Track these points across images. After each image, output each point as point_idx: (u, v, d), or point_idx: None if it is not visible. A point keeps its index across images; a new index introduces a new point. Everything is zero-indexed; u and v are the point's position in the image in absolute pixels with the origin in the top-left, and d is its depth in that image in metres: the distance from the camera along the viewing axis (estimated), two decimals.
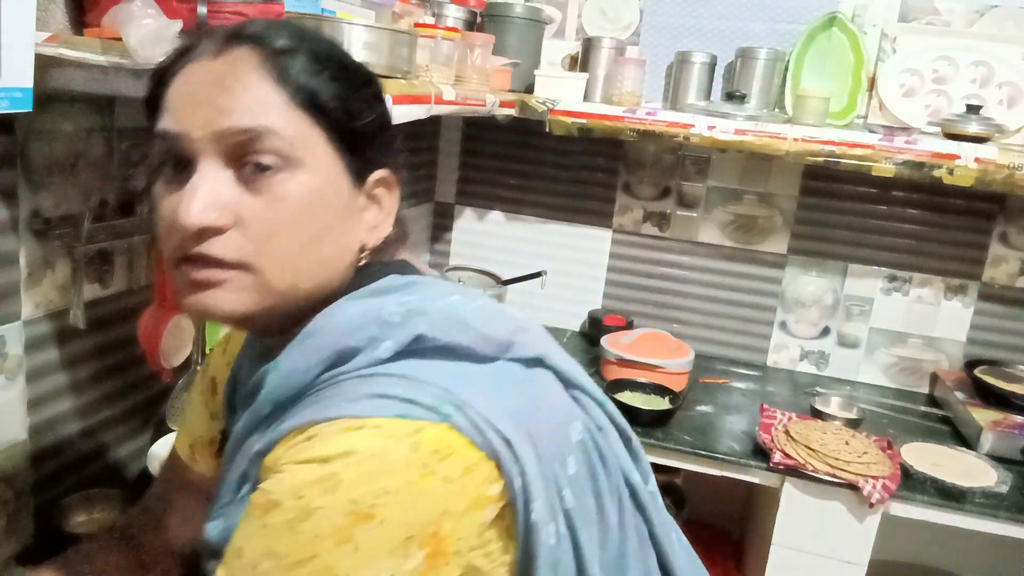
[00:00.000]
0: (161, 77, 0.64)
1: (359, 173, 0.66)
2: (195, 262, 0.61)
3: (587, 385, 0.73)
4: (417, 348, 0.61)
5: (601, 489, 0.68)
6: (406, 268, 0.71)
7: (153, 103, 0.65)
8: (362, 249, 0.68)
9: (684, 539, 0.79)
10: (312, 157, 0.62)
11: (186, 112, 0.61)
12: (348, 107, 0.64)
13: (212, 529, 0.65)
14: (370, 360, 0.60)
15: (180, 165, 0.62)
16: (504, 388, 0.63)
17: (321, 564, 0.54)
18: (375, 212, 0.69)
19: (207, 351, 1.34)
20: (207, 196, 0.59)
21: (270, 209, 0.61)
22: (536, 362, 0.68)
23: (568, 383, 0.71)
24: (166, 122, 0.62)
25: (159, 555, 0.89)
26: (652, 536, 0.74)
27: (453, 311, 0.64)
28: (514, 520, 0.61)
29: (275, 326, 0.66)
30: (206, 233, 0.60)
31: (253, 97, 0.61)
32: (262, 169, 0.60)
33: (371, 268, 0.69)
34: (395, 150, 0.70)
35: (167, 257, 0.63)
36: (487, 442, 0.59)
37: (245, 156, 0.60)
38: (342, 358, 0.61)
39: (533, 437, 0.62)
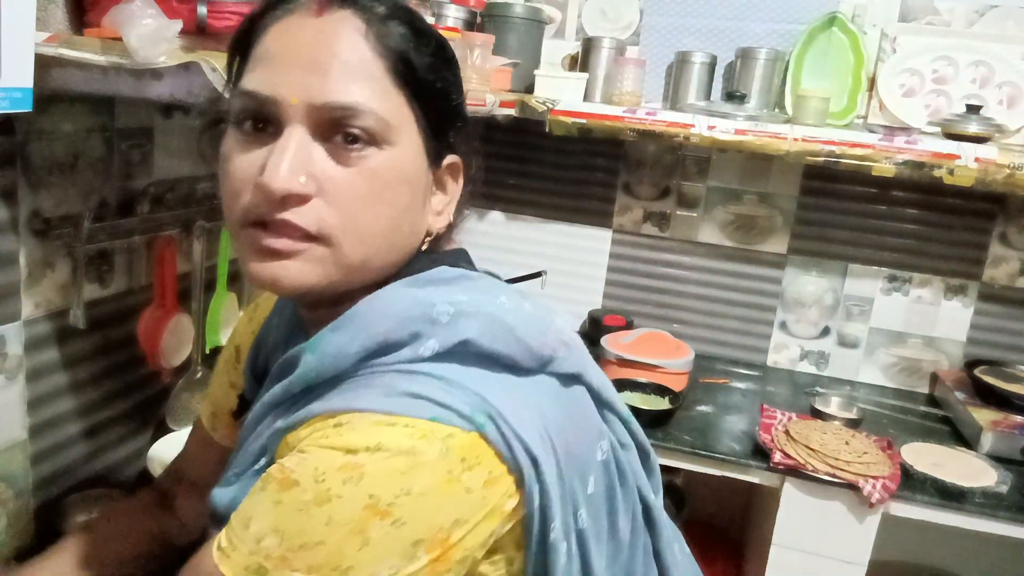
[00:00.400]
0: (256, 20, 0.62)
1: (436, 155, 0.66)
2: (271, 228, 0.59)
3: (616, 403, 0.73)
4: (461, 351, 0.60)
5: (617, 508, 0.68)
6: (459, 259, 0.70)
7: (243, 48, 0.62)
8: (428, 233, 0.68)
9: (686, 548, 0.79)
10: (402, 134, 0.62)
11: (282, 75, 0.59)
12: (440, 86, 0.64)
13: (221, 496, 0.65)
14: (412, 356, 0.59)
15: (262, 123, 0.60)
16: (540, 403, 0.62)
17: (326, 552, 0.54)
18: (440, 197, 0.69)
19: (207, 351, 1.35)
20: (297, 161, 0.58)
21: (356, 183, 0.59)
22: (574, 379, 0.67)
23: (600, 401, 0.70)
24: (258, 81, 0.59)
25: (184, 520, 0.90)
26: (656, 552, 0.74)
27: (503, 318, 0.63)
28: (525, 535, 0.61)
29: (327, 299, 0.64)
30: (289, 200, 0.58)
31: (354, 70, 0.59)
32: (352, 142, 0.59)
33: (425, 255, 0.68)
34: (469, 138, 0.70)
35: (234, 218, 0.61)
36: (514, 457, 0.58)
37: (338, 128, 0.59)
38: (384, 349, 0.60)
39: (559, 455, 0.61)
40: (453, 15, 1.74)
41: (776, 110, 1.92)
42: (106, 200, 1.16)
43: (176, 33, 0.75)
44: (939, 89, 1.87)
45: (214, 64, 0.75)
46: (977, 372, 1.83)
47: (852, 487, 1.47)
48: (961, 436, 1.73)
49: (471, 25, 1.83)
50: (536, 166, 2.17)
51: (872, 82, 1.91)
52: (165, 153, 1.26)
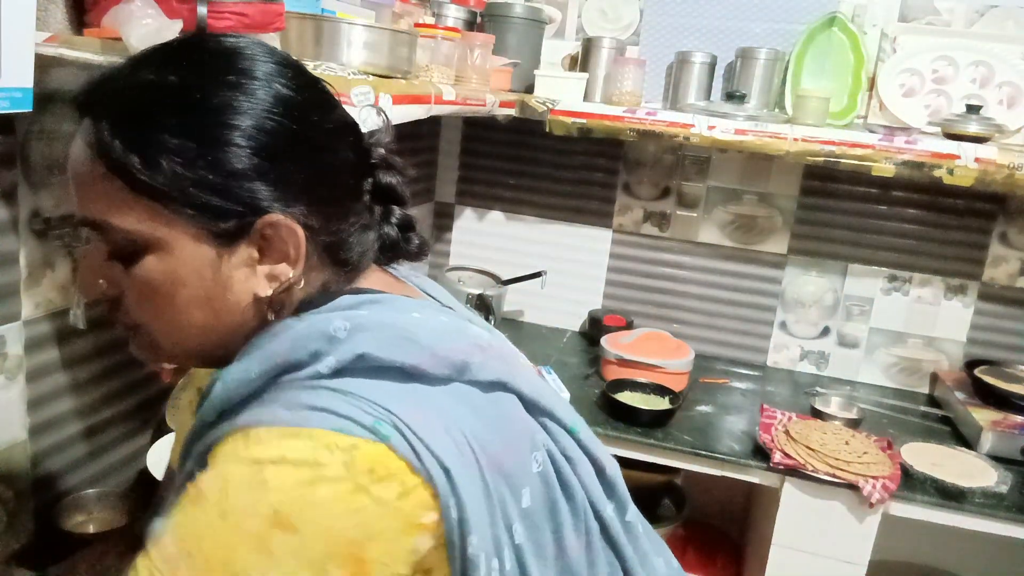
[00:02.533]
0: None
1: (230, 234, 0.61)
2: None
3: (556, 411, 0.69)
4: (360, 366, 0.59)
5: (562, 523, 0.65)
6: (361, 291, 0.68)
7: None
8: (270, 302, 0.64)
9: (674, 561, 0.76)
10: (164, 236, 0.60)
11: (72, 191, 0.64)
12: (192, 177, 0.59)
13: (156, 526, 0.62)
14: (311, 374, 0.59)
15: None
16: (456, 412, 0.60)
17: (234, 569, 0.53)
18: (273, 259, 0.63)
19: None
20: (88, 273, 0.64)
21: (132, 290, 0.63)
22: (496, 385, 0.64)
23: (533, 409, 0.67)
24: None
25: None
26: (626, 572, 0.70)
27: (405, 328, 0.61)
28: (448, 549, 0.58)
29: (210, 363, 0.67)
30: (104, 303, 0.64)
31: (86, 186, 0.62)
32: (115, 254, 0.62)
33: (317, 297, 0.66)
34: (292, 187, 0.62)
35: None
36: (425, 468, 0.56)
37: (102, 242, 0.62)
38: (284, 369, 0.60)
39: (482, 465, 0.59)
40: (453, 15, 1.74)
41: (776, 110, 1.92)
42: None
43: (176, 33, 0.75)
44: (939, 89, 1.87)
45: None
46: (977, 372, 1.83)
47: (852, 487, 1.47)
48: (961, 436, 1.73)
49: (471, 25, 1.83)
50: (536, 166, 2.17)
51: (872, 82, 1.91)
52: None
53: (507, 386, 0.65)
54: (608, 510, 0.69)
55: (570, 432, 0.70)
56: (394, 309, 0.65)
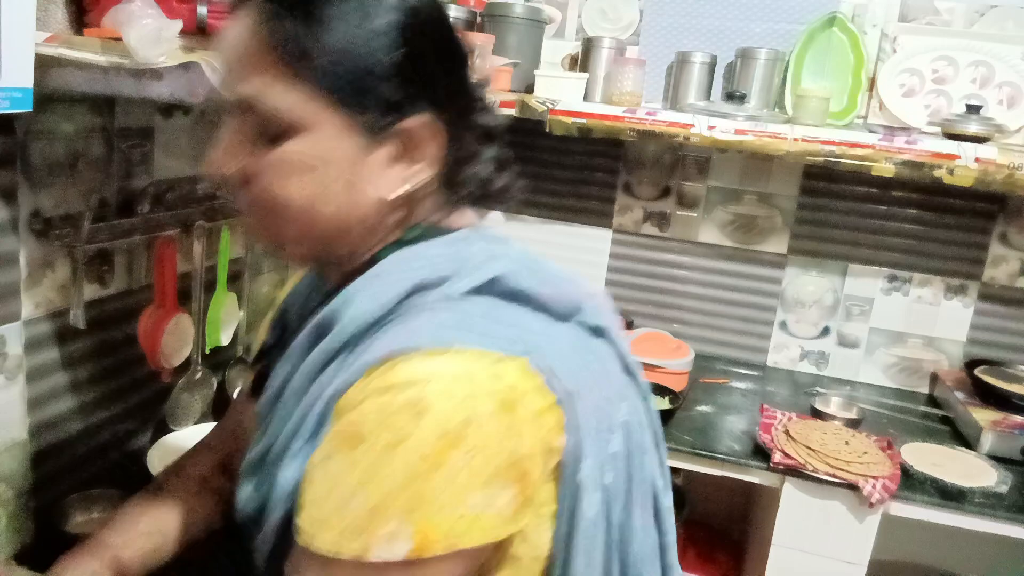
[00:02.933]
0: None
1: (372, 127, 0.62)
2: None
3: (639, 375, 0.72)
4: (493, 290, 0.61)
5: (632, 477, 0.66)
6: (480, 228, 0.71)
7: None
8: (395, 199, 0.65)
9: (679, 567, 0.77)
10: (305, 121, 0.61)
11: (222, 72, 0.65)
12: (352, 64, 0.61)
13: (285, 473, 0.62)
14: (444, 295, 0.60)
15: (223, 118, 0.66)
16: (571, 347, 0.63)
17: (417, 490, 0.53)
18: (407, 162, 0.64)
19: (207, 351, 1.35)
20: (219, 151, 0.64)
21: (266, 171, 0.63)
22: (600, 332, 0.67)
23: (626, 366, 0.70)
24: None
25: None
26: (662, 548, 0.71)
27: (534, 262, 0.65)
28: (560, 481, 0.59)
29: (314, 259, 0.68)
30: (225, 184, 0.65)
31: (245, 65, 0.62)
32: (259, 132, 0.62)
33: (432, 226, 0.68)
34: (440, 90, 0.64)
35: None
36: (555, 390, 0.58)
37: (248, 120, 0.63)
38: (417, 290, 0.61)
39: (593, 400, 0.61)
40: (453, 15, 1.74)
41: (776, 110, 1.92)
42: (106, 200, 1.16)
43: (176, 33, 0.75)
44: (939, 89, 1.87)
45: (214, 64, 0.75)
46: (977, 372, 1.83)
47: (852, 487, 1.47)
48: (961, 436, 1.73)
49: (471, 25, 1.83)
50: (536, 166, 2.17)
51: (872, 82, 1.91)
52: (165, 153, 1.26)
53: (608, 336, 0.68)
54: (660, 484, 0.71)
55: (644, 399, 0.73)
56: (516, 246, 0.68)
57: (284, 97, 0.61)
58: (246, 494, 0.66)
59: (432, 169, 0.65)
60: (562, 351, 0.61)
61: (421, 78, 0.63)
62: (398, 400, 0.54)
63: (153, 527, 0.85)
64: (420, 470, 0.53)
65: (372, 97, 0.62)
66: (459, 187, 0.68)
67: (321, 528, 0.55)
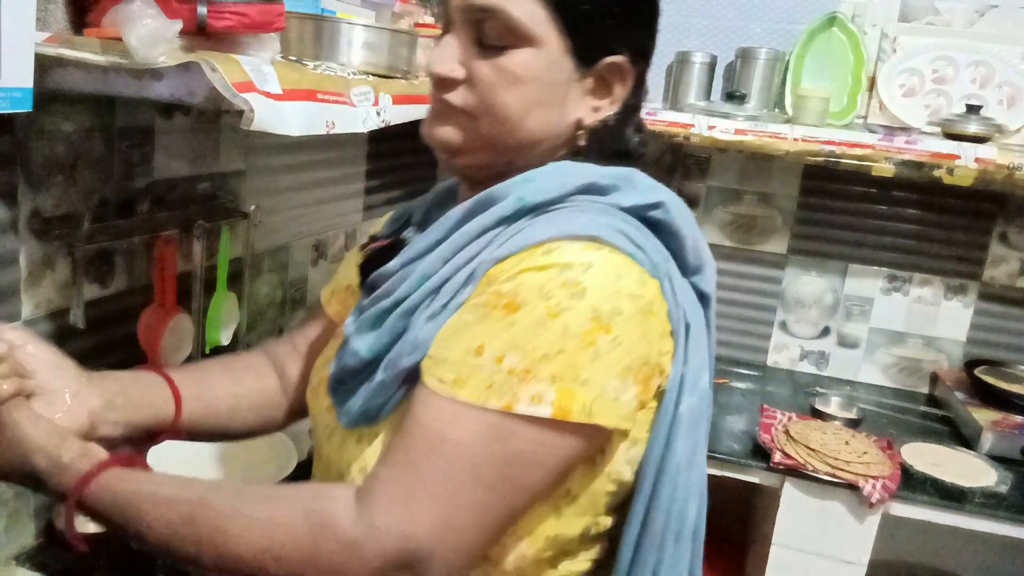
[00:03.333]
0: None
1: (586, 55, 0.70)
2: (436, 100, 0.72)
3: (710, 357, 0.77)
4: (652, 217, 0.67)
5: (698, 447, 0.73)
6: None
7: None
8: (578, 125, 0.72)
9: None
10: (537, 36, 0.67)
11: None
12: None
13: (422, 326, 0.66)
14: (613, 201, 0.66)
15: (446, 23, 0.72)
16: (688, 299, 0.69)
17: (566, 361, 0.59)
18: (599, 96, 0.72)
19: (207, 351, 1.35)
20: (447, 53, 0.70)
21: (491, 76, 0.68)
22: (705, 300, 0.72)
23: (711, 342, 0.74)
24: None
25: (288, 383, 0.94)
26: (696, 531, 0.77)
27: (688, 212, 0.71)
28: (658, 410, 0.66)
29: (483, 169, 0.72)
30: (444, 82, 0.70)
31: None
32: (491, 40, 0.68)
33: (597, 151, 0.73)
34: (641, 38, 0.73)
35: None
36: (674, 319, 0.65)
37: (481, 27, 0.68)
38: (589, 190, 0.67)
39: (692, 348, 0.67)
40: None
41: (776, 110, 1.92)
42: (106, 200, 1.16)
43: (176, 33, 0.75)
44: (939, 89, 1.87)
45: (214, 64, 0.75)
46: (977, 372, 1.83)
47: (852, 487, 1.47)
48: (961, 436, 1.73)
49: None
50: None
51: (872, 82, 1.91)
52: (165, 153, 1.26)
53: (709, 306, 0.73)
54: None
55: (710, 384, 0.77)
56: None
57: (528, 11, 0.67)
58: (366, 343, 0.69)
59: (615, 108, 0.73)
60: (687, 292, 0.68)
61: (632, 20, 0.72)
62: (558, 278, 0.60)
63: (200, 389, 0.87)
64: (571, 344, 0.59)
65: (595, 29, 0.69)
66: (621, 132, 0.74)
67: (469, 380, 0.59)
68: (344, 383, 0.72)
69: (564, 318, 0.59)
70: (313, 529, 0.58)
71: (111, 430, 0.78)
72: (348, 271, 0.92)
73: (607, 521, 0.70)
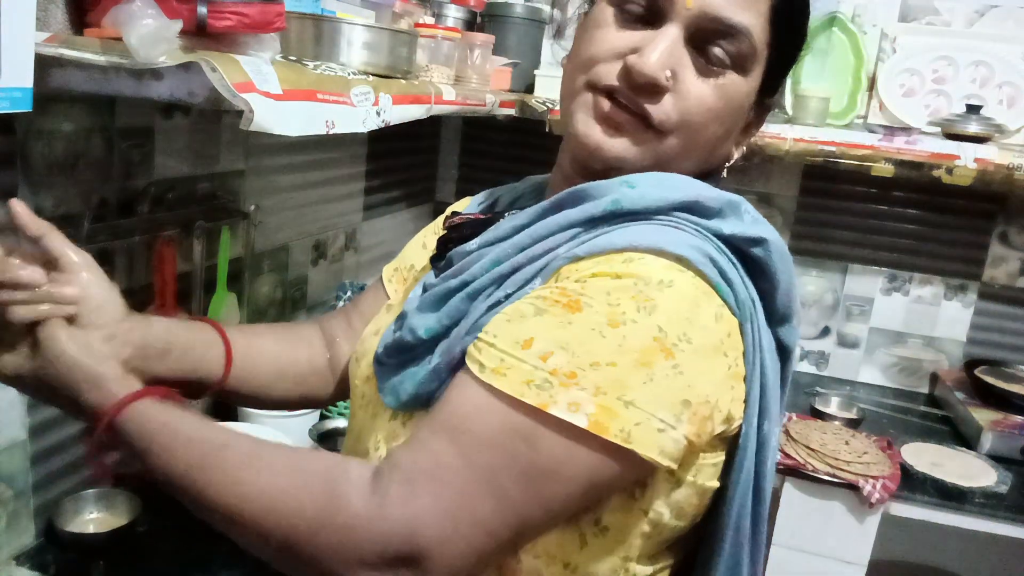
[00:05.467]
0: None
1: (763, 93, 0.69)
2: (617, 102, 0.65)
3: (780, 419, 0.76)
4: (750, 251, 0.62)
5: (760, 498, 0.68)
6: None
7: None
8: (727, 159, 0.72)
9: None
10: (756, 68, 0.66)
11: None
12: (802, 35, 0.69)
13: (480, 318, 0.62)
14: (714, 227, 0.61)
15: (648, 10, 0.65)
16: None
17: (615, 375, 0.54)
18: (746, 130, 0.72)
19: None
20: (668, 56, 0.63)
21: (708, 96, 0.64)
22: (786, 355, 0.68)
23: (783, 392, 0.71)
24: None
25: (337, 360, 0.91)
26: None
27: (787, 252, 0.66)
28: (724, 442, 0.62)
29: (616, 172, 0.67)
30: (647, 87, 0.63)
31: (760, 1, 0.64)
32: (719, 60, 0.64)
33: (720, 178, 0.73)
34: (777, 84, 0.71)
35: (582, 79, 0.67)
36: (751, 366, 0.60)
37: (710, 43, 0.64)
38: (693, 208, 0.62)
39: (764, 393, 0.63)
40: (453, 15, 1.74)
41: (776, 110, 1.92)
42: (106, 200, 1.16)
43: (176, 33, 0.75)
44: (939, 89, 1.87)
45: (214, 64, 0.75)
46: (977, 372, 1.83)
47: (852, 487, 1.47)
48: (961, 436, 1.73)
49: (471, 25, 1.83)
50: (536, 166, 2.16)
51: (872, 82, 1.91)
52: (165, 153, 1.26)
53: (789, 357, 0.70)
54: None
55: (776, 447, 0.75)
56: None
57: (760, 39, 0.65)
58: (425, 322, 0.66)
59: (748, 141, 0.72)
60: (763, 329, 0.63)
61: (791, 65, 0.71)
62: (632, 289, 0.56)
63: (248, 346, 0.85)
64: (626, 360, 0.54)
65: (780, 69, 0.69)
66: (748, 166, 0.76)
67: (509, 371, 0.55)
68: (392, 357, 0.69)
69: (625, 330, 0.55)
70: (322, 501, 0.56)
71: (158, 371, 0.75)
72: (415, 251, 0.90)
73: (643, 572, 0.64)
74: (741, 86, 0.66)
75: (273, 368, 0.86)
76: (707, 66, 0.64)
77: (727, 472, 0.63)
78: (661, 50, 0.62)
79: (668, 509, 0.62)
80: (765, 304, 0.63)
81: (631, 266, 0.57)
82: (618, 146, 0.65)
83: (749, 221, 0.63)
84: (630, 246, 0.59)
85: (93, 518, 1.17)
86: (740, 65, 0.64)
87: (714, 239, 0.61)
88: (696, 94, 0.64)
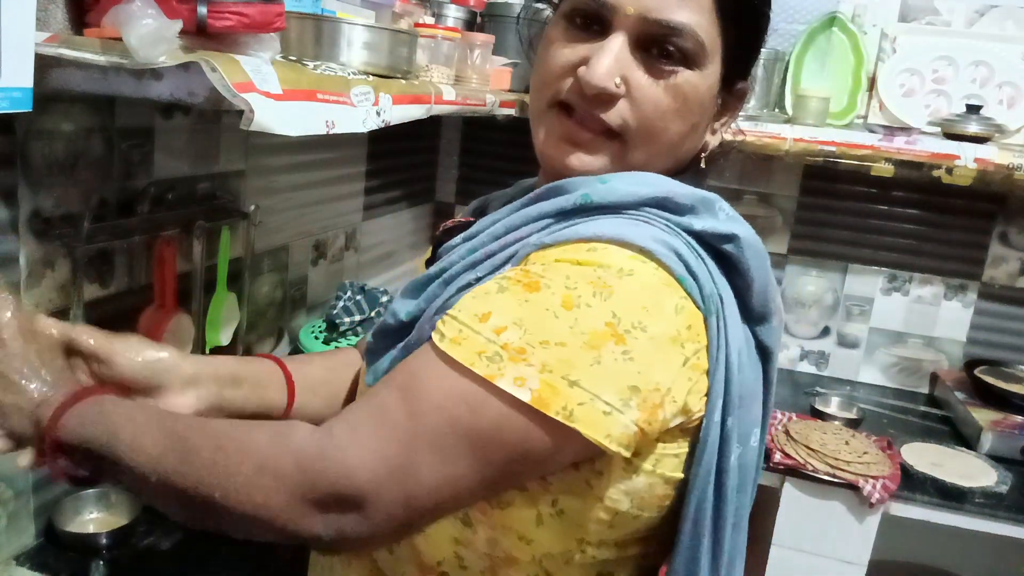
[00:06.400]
0: None
1: (729, 81, 0.70)
2: (576, 117, 0.67)
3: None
4: (726, 248, 0.63)
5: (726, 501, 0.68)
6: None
7: None
8: (703, 149, 0.72)
9: None
10: (711, 60, 0.66)
11: None
12: (758, 24, 0.69)
13: (452, 298, 0.65)
14: (685, 223, 0.62)
15: (592, 22, 0.66)
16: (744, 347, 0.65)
17: (563, 355, 0.55)
18: (719, 118, 0.72)
19: (207, 351, 1.35)
20: (616, 64, 0.64)
21: (661, 96, 0.65)
22: (767, 355, 0.68)
23: (768, 392, 0.71)
24: None
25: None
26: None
27: (764, 250, 0.67)
28: (687, 434, 0.62)
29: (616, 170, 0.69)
30: (600, 96, 0.65)
31: None
32: (667, 58, 0.65)
33: (697, 172, 0.73)
34: (749, 66, 0.72)
35: (543, 99, 0.69)
36: (715, 361, 0.60)
37: (658, 43, 0.65)
38: (664, 204, 0.63)
39: (736, 394, 0.63)
40: (453, 15, 1.74)
41: (776, 110, 1.92)
42: (106, 200, 1.16)
43: (176, 33, 0.75)
44: (939, 89, 1.87)
45: (214, 64, 0.75)
46: (977, 372, 1.83)
47: (852, 487, 1.47)
48: (961, 436, 1.73)
49: (471, 25, 1.83)
50: (536, 166, 2.16)
51: (872, 82, 1.91)
52: (165, 153, 1.26)
53: (770, 359, 0.69)
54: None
55: (759, 466, 0.77)
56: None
57: (711, 34, 0.65)
58: (407, 306, 0.69)
59: (726, 129, 0.73)
60: (737, 330, 0.63)
61: (756, 50, 0.72)
62: (589, 274, 0.58)
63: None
64: (575, 341, 0.56)
65: (746, 53, 0.70)
66: (728, 153, 0.76)
67: (465, 341, 0.57)
68: (379, 342, 0.72)
69: (578, 313, 0.56)
70: (272, 439, 0.58)
71: (235, 404, 0.79)
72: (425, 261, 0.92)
73: (599, 555, 0.65)
74: (697, 81, 0.66)
75: (325, 393, 0.89)
76: (657, 67, 0.65)
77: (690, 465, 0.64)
78: (608, 59, 0.64)
79: (626, 498, 0.62)
80: (741, 302, 0.64)
81: (594, 255, 0.59)
82: (586, 161, 0.67)
83: (724, 218, 0.64)
84: (595, 236, 0.60)
85: (93, 518, 1.17)
86: (691, 61, 0.65)
87: (684, 235, 0.62)
88: (651, 96, 0.65)
